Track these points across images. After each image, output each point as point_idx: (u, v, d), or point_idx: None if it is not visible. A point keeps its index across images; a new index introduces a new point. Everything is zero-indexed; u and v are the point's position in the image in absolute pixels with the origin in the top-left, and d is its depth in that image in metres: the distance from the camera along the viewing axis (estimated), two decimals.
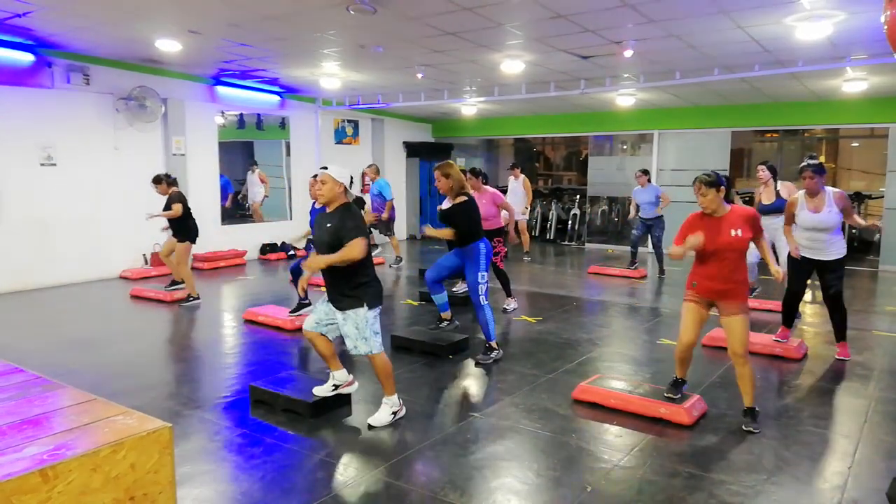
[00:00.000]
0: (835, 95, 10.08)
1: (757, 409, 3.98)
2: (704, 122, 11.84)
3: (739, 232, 3.82)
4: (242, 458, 3.55)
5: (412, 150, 14.36)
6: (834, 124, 12.14)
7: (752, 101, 11.06)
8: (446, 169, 5.24)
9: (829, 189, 5.11)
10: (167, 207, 7.44)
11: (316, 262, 3.75)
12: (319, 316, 4.00)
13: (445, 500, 3.07)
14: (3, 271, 7.92)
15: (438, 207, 5.43)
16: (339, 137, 12.84)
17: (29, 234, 8.13)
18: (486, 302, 5.18)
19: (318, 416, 4.06)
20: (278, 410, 4.14)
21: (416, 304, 7.52)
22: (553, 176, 17.67)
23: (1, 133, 7.84)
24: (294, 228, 10.95)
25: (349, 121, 12.96)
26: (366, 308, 3.83)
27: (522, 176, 10.83)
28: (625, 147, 13.94)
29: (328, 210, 3.88)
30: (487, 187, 7.24)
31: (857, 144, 14.43)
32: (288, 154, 12.04)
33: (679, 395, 4.15)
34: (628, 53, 7.29)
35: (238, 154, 12.48)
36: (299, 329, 6.21)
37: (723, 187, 3.84)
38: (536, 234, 14.24)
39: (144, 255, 9.49)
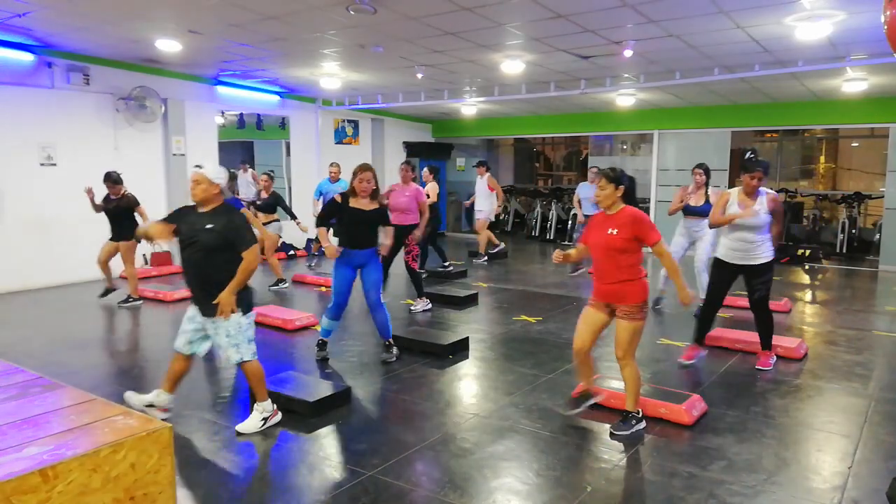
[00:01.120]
0: (835, 95, 10.08)
1: (634, 414, 3.85)
2: (704, 122, 11.84)
3: (616, 231, 3.70)
4: (242, 458, 3.55)
5: (412, 150, 14.35)
6: (834, 124, 12.14)
7: (752, 101, 11.07)
8: (374, 172, 5.16)
9: (762, 189, 4.92)
10: (127, 213, 7.10)
11: (227, 302, 3.62)
12: (190, 335, 3.86)
13: (445, 500, 3.07)
14: (3, 271, 7.92)
15: (363, 206, 5.15)
16: (339, 137, 12.84)
17: (29, 234, 8.13)
18: (384, 300, 5.23)
19: (318, 415, 4.05)
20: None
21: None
22: (553, 176, 17.67)
23: (1, 133, 7.84)
24: (294, 228, 10.93)
25: (349, 121, 12.96)
26: (240, 313, 3.72)
27: (488, 174, 10.53)
28: (625, 147, 13.95)
29: (203, 210, 3.75)
30: (413, 183, 7.23)
31: (857, 144, 14.44)
32: (288, 154, 12.04)
33: (582, 409, 4.01)
34: (628, 53, 7.29)
35: (238, 154, 12.50)
36: (300, 329, 6.23)
37: (622, 187, 3.72)
38: (536, 234, 14.24)
39: (144, 255, 9.48)
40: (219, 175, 3.76)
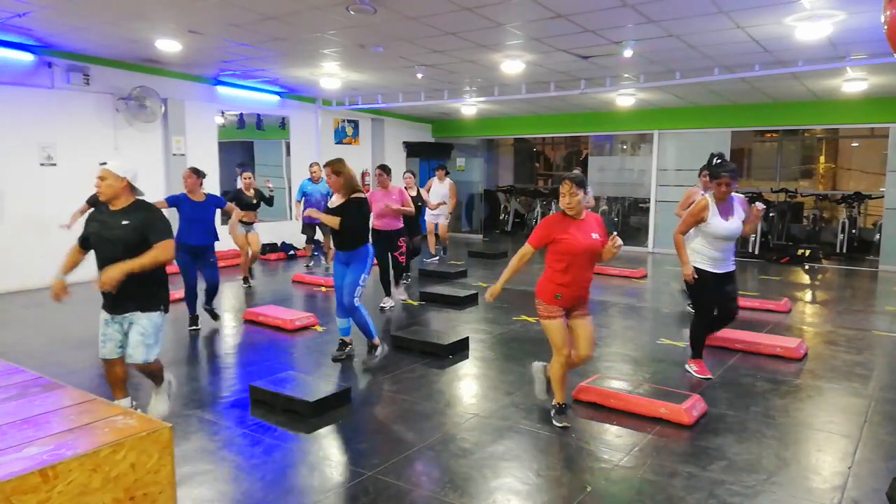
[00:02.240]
0: (835, 95, 10.08)
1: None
2: (704, 122, 11.84)
3: (597, 235, 3.79)
4: (242, 458, 3.55)
5: (412, 150, 14.36)
6: (834, 124, 12.14)
7: (752, 101, 11.07)
8: (338, 166, 5.10)
9: (734, 194, 4.76)
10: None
11: (114, 274, 3.38)
12: (116, 337, 3.69)
13: (445, 500, 3.07)
14: (3, 271, 7.92)
15: (330, 203, 5.29)
16: (339, 137, 12.84)
17: (29, 234, 8.13)
18: (359, 303, 5.16)
19: (318, 415, 4.06)
20: (278, 410, 4.14)
21: (415, 304, 7.52)
22: (553, 176, 17.67)
23: (1, 133, 7.84)
24: (294, 228, 10.93)
25: (349, 121, 12.96)
26: (160, 312, 3.65)
27: (448, 180, 10.44)
28: (625, 147, 13.94)
29: (112, 207, 3.63)
30: (395, 186, 7.19)
31: (857, 144, 14.44)
32: (288, 154, 12.03)
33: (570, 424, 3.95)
34: (628, 54, 7.29)
35: (238, 154, 12.48)
36: (299, 329, 6.23)
37: (584, 190, 3.79)
38: None
39: None
40: (124, 169, 3.61)
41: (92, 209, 7.04)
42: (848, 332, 6.27)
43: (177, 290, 7.66)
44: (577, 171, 3.87)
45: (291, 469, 3.43)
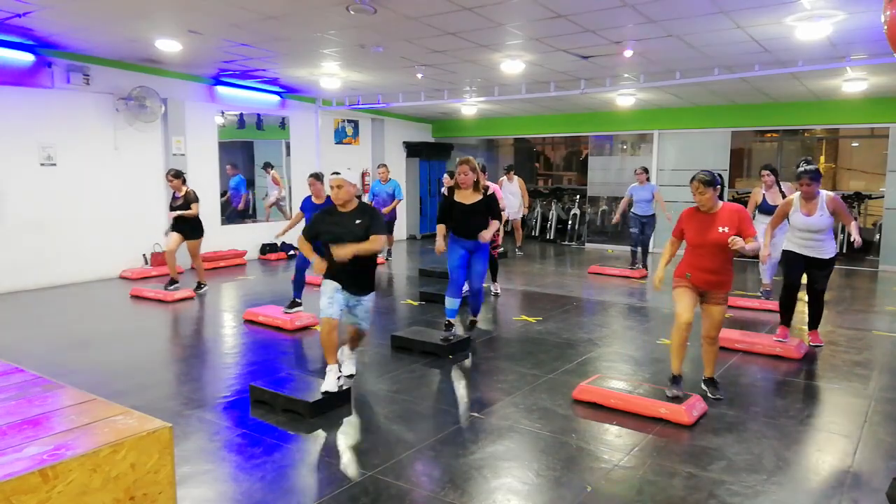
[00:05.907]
0: (835, 95, 10.08)
1: (716, 379, 4.53)
2: (704, 122, 11.84)
3: (726, 229, 4.11)
4: (242, 458, 3.54)
5: (412, 150, 14.36)
6: (834, 124, 12.14)
7: (752, 101, 11.06)
8: (474, 163, 5.54)
9: (822, 193, 5.34)
10: (185, 206, 7.66)
11: (345, 251, 4.12)
12: (342, 304, 4.31)
13: (445, 500, 3.07)
14: (3, 271, 7.92)
15: (459, 200, 5.53)
16: (339, 137, 12.83)
17: (29, 234, 8.13)
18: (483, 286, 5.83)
19: (318, 415, 4.06)
20: (278, 410, 4.14)
21: (415, 304, 7.52)
22: (553, 176, 17.67)
23: (1, 133, 7.84)
24: (294, 227, 10.92)
25: (349, 121, 12.96)
26: (373, 294, 4.45)
27: (517, 178, 11.22)
28: (625, 147, 13.94)
29: (344, 210, 4.31)
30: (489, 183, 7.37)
31: (857, 144, 14.43)
32: (288, 154, 12.02)
33: (683, 393, 4.17)
34: (628, 53, 7.29)
35: (238, 154, 12.47)
36: (299, 329, 6.23)
37: (718, 186, 4.17)
38: (536, 234, 14.25)
39: (144, 254, 9.47)
40: (352, 179, 4.34)
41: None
42: (848, 332, 6.27)
43: (183, 291, 7.71)
44: (706, 171, 4.20)
45: (291, 469, 3.43)
